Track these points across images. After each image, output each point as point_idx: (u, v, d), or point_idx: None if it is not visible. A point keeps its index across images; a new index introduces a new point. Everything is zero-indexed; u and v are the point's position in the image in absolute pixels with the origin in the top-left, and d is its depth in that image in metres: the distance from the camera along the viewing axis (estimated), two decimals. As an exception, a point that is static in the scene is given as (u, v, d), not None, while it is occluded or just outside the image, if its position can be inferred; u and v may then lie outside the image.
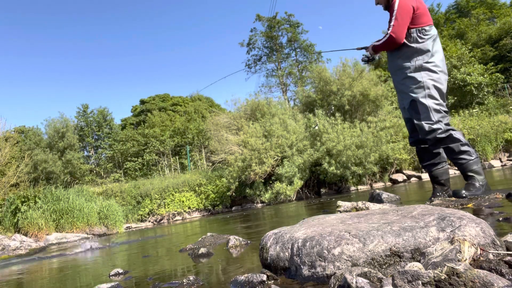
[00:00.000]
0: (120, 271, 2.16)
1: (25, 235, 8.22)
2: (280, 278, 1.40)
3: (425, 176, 11.65)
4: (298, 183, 11.32)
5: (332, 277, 1.12)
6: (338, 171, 11.06)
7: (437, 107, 2.81)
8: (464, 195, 2.75)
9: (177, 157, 21.79)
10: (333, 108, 13.25)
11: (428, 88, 2.81)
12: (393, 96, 14.53)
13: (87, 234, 9.16)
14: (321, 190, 12.07)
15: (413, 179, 11.68)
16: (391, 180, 11.80)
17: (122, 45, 68.42)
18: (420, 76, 2.82)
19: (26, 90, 64.55)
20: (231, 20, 66.15)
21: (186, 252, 2.67)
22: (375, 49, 3.06)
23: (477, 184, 2.78)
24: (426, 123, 2.82)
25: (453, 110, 16.03)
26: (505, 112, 14.37)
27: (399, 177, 11.68)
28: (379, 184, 11.59)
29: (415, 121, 2.90)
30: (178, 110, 32.14)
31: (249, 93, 33.50)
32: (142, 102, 35.74)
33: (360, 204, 2.79)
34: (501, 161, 12.83)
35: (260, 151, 11.81)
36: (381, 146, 11.29)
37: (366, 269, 1.08)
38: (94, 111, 24.94)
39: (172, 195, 13.99)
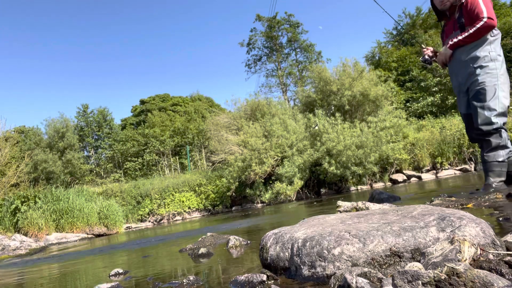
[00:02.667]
0: (120, 271, 2.16)
1: (25, 235, 8.22)
2: (280, 278, 1.40)
3: (425, 176, 11.65)
4: (298, 183, 11.32)
5: (332, 277, 1.12)
6: (338, 171, 11.06)
7: (505, 102, 2.84)
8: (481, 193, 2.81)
9: (177, 157, 21.81)
10: (333, 108, 13.25)
11: (501, 79, 2.85)
12: (393, 96, 14.53)
13: (87, 234, 9.16)
14: (321, 190, 12.07)
15: (413, 179, 11.68)
16: (391, 180, 11.80)
17: (122, 45, 68.45)
18: (495, 66, 2.86)
19: (26, 90, 64.60)
20: (231, 20, 66.17)
21: (186, 252, 2.67)
22: (463, 41, 2.96)
23: (494, 185, 2.84)
24: (487, 112, 2.84)
25: (453, 110, 16.03)
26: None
27: (399, 177, 11.68)
28: (379, 184, 11.59)
29: (478, 108, 2.89)
30: (178, 110, 32.14)
31: (249, 93, 33.56)
32: (142, 102, 35.75)
33: (360, 204, 2.79)
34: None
35: (260, 151, 11.81)
36: (381, 146, 11.29)
37: (366, 269, 1.08)
38: (94, 111, 24.98)
39: (172, 195, 13.99)
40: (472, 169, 11.37)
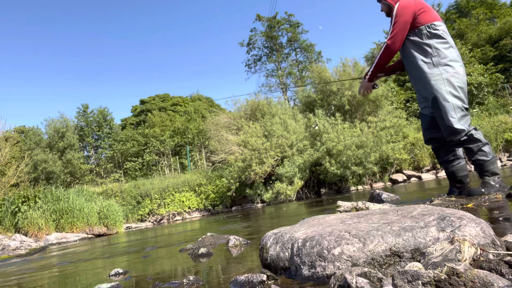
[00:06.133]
0: (120, 271, 2.16)
1: (25, 235, 8.22)
2: (280, 278, 1.40)
3: (425, 176, 11.66)
4: (298, 183, 11.31)
5: (332, 277, 1.12)
6: (338, 171, 11.06)
7: (460, 104, 2.75)
8: (481, 193, 2.79)
9: (177, 157, 21.79)
10: (333, 108, 13.25)
11: (449, 85, 2.76)
12: (393, 96, 14.52)
13: (87, 234, 9.16)
14: (321, 190, 12.06)
15: (413, 179, 11.68)
16: (391, 180, 11.80)
17: (122, 44, 68.46)
18: (439, 72, 2.77)
19: (26, 90, 64.60)
20: (231, 20, 66.16)
21: (186, 252, 2.67)
22: (377, 68, 3.00)
23: (492, 183, 2.82)
24: (449, 123, 2.76)
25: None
26: (505, 112, 14.37)
27: (399, 177, 11.68)
28: (379, 184, 11.59)
29: (438, 120, 2.86)
30: (178, 110, 32.13)
31: (249, 93, 33.55)
32: (142, 102, 35.75)
33: (360, 204, 2.79)
34: (501, 161, 12.83)
35: (260, 151, 11.81)
36: (381, 146, 11.29)
37: (366, 269, 1.08)
38: (94, 111, 24.96)
39: (172, 195, 13.99)
40: (472, 169, 11.35)
